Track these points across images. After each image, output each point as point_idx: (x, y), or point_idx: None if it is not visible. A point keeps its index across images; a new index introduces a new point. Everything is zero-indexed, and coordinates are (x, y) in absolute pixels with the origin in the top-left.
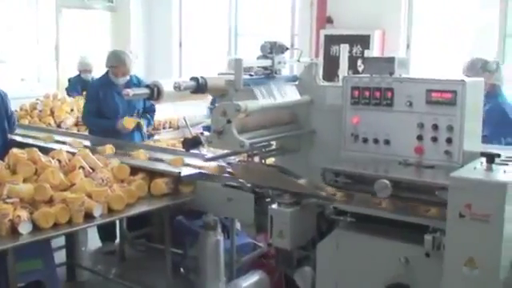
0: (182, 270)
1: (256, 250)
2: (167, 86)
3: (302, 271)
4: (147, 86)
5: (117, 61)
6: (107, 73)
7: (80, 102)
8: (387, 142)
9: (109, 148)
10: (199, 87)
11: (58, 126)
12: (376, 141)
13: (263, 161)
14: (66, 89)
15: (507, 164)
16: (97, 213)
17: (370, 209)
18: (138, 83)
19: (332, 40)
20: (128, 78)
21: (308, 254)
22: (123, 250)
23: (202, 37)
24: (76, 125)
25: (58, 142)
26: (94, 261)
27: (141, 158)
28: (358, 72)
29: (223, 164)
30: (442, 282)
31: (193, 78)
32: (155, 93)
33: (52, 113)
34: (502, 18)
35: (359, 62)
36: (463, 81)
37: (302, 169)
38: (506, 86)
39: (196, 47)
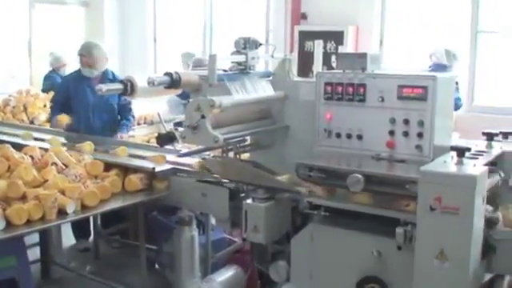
0: (156, 266)
1: (231, 246)
2: (141, 82)
3: (277, 265)
4: (120, 82)
5: (83, 49)
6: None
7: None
8: (360, 137)
9: (88, 145)
10: (173, 82)
11: (31, 122)
12: (349, 136)
13: (238, 156)
14: (43, 88)
15: (477, 158)
16: (70, 209)
17: (343, 203)
18: (113, 78)
19: (306, 36)
20: (97, 72)
21: (283, 249)
22: (98, 246)
23: (176, 32)
24: (49, 121)
25: (36, 139)
26: (68, 258)
27: (121, 154)
28: (332, 68)
29: (198, 159)
30: (413, 275)
31: (167, 74)
32: (129, 88)
33: (25, 109)
34: (474, 14)
35: (333, 57)
36: (434, 76)
37: (276, 164)
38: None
39: (171, 42)
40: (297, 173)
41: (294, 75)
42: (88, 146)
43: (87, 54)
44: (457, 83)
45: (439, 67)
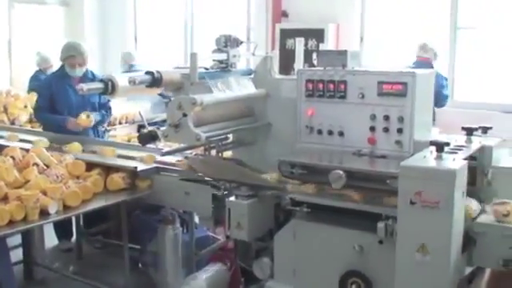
0: (140, 265)
1: (215, 243)
2: (122, 81)
3: (260, 262)
4: (101, 81)
5: (74, 50)
6: (62, 67)
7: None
8: (341, 134)
9: (76, 146)
10: (154, 81)
11: (12, 123)
12: (330, 132)
13: (220, 154)
14: (29, 89)
15: (456, 152)
16: (52, 210)
17: (325, 199)
18: (92, 78)
19: (287, 34)
20: (85, 70)
21: (266, 245)
22: (80, 247)
23: (157, 31)
24: (30, 121)
25: (22, 140)
26: (51, 258)
27: (109, 155)
28: (313, 65)
29: (180, 158)
30: (395, 268)
31: (148, 72)
32: (109, 87)
33: (5, 110)
34: (454, 11)
35: (314, 55)
36: (413, 73)
37: (259, 161)
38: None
39: (152, 41)
40: (279, 170)
41: (275, 73)
42: (76, 146)
43: (78, 54)
44: (446, 79)
45: (423, 64)
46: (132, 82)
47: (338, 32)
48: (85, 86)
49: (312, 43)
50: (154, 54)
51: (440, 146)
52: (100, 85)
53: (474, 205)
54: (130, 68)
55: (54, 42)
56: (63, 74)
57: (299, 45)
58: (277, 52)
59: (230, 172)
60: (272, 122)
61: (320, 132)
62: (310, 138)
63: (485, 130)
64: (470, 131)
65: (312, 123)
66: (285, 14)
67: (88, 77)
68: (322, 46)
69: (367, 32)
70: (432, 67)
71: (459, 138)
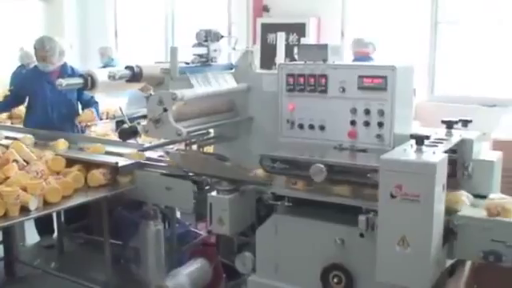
0: (122, 261)
1: (197, 238)
2: (102, 76)
3: (242, 257)
4: (81, 76)
5: (36, 43)
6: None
7: None
8: (322, 128)
9: (62, 143)
10: (134, 76)
11: None
12: (311, 126)
13: (201, 149)
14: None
15: (436, 146)
16: (32, 206)
17: (306, 193)
18: (72, 73)
19: (269, 28)
20: (52, 66)
21: (248, 240)
22: (62, 243)
23: (138, 26)
24: (10, 118)
25: (8, 137)
26: (32, 255)
27: (60, 147)
28: (294, 59)
29: (161, 153)
30: (376, 261)
31: (128, 67)
32: (89, 82)
33: None
34: (434, 5)
35: (296, 49)
36: (393, 66)
37: (241, 156)
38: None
39: (132, 36)
40: (260, 164)
41: (256, 67)
42: (62, 143)
43: (40, 47)
44: None
45: (362, 58)
46: (112, 76)
47: (319, 26)
48: (64, 82)
49: (293, 38)
50: (135, 49)
51: (420, 140)
52: (79, 80)
53: (465, 197)
54: (110, 62)
55: (34, 38)
56: (39, 70)
57: (280, 39)
58: (258, 46)
59: (211, 167)
60: (253, 117)
61: (301, 126)
62: (291, 132)
63: (465, 123)
64: (450, 124)
65: (293, 117)
66: (266, 9)
67: (67, 72)
68: (303, 41)
69: (348, 26)
70: (372, 60)
71: (439, 132)
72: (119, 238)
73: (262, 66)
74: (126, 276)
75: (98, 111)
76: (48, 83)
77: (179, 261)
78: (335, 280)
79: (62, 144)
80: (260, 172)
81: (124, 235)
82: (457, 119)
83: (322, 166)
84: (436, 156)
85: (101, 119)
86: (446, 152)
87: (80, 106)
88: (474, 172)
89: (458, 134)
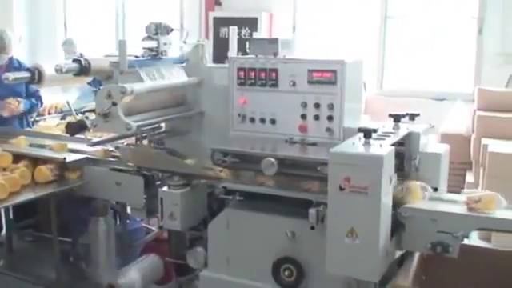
0: (71, 258)
1: (148, 234)
2: (49, 69)
3: (194, 252)
4: (28, 70)
5: None
6: None
7: None
8: (273, 122)
9: (22, 140)
10: (82, 69)
11: None
12: (263, 120)
13: (152, 144)
14: None
15: (383, 139)
16: None
17: (257, 186)
18: (19, 66)
19: (221, 22)
20: (6, 58)
21: (200, 235)
22: (10, 240)
23: (88, 18)
24: None
25: None
26: None
27: (21, 145)
28: (247, 54)
29: (111, 148)
30: (326, 253)
31: (75, 60)
32: (36, 76)
33: None
34: (383, 0)
35: (248, 44)
36: (342, 61)
37: (193, 150)
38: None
39: (82, 29)
40: (212, 158)
41: (207, 61)
42: (23, 140)
43: None
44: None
45: None
46: (59, 70)
47: (271, 21)
48: (11, 75)
49: (245, 32)
50: (85, 42)
51: (368, 133)
52: (26, 74)
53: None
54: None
55: None
56: None
57: (233, 33)
58: (210, 40)
59: (161, 161)
60: (205, 111)
61: (252, 120)
62: (242, 126)
63: (412, 116)
64: (397, 118)
65: (244, 111)
66: (218, 3)
67: (14, 66)
68: (255, 35)
69: (300, 21)
70: None
71: (387, 125)
72: (69, 235)
73: (215, 60)
74: (76, 274)
75: (36, 104)
76: None
77: (131, 257)
78: (286, 273)
79: (23, 141)
80: (190, 162)
81: (74, 232)
82: (404, 113)
83: (273, 159)
84: (383, 149)
85: (49, 113)
86: (393, 145)
87: None
88: (421, 164)
89: (405, 127)
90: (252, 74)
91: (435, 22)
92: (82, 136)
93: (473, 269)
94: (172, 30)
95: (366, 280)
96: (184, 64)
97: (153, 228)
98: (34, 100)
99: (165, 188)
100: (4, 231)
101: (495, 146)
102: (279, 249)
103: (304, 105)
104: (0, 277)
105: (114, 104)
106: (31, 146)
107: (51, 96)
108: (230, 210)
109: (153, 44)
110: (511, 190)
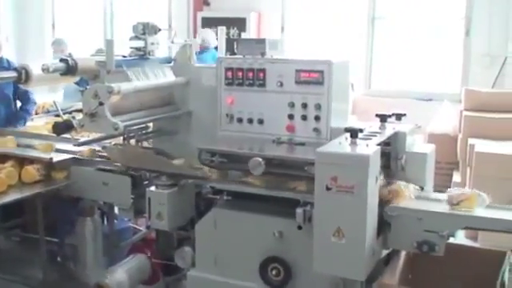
0: (59, 258)
1: (136, 234)
2: (37, 69)
3: (182, 251)
4: (15, 69)
5: None
6: None
7: None
8: (261, 122)
9: (10, 140)
10: (69, 69)
11: None
12: (250, 120)
13: (140, 143)
14: None
15: (370, 138)
16: None
17: (244, 186)
18: (8, 66)
19: (209, 22)
20: None
21: (188, 235)
22: None
23: (76, 17)
24: None
25: None
26: None
27: (9, 145)
28: (235, 54)
29: (98, 148)
30: (313, 252)
31: (62, 60)
32: (23, 76)
33: None
34: (371, 1)
35: (236, 44)
36: (329, 61)
37: (180, 150)
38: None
39: (70, 28)
40: (199, 158)
41: (195, 61)
42: (11, 141)
43: None
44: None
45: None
46: (45, 69)
47: (259, 21)
48: None
49: (234, 32)
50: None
51: (354, 133)
52: (13, 73)
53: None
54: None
55: None
56: None
57: (221, 33)
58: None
59: (149, 161)
60: (193, 111)
61: (240, 120)
62: (230, 126)
63: (398, 116)
64: (383, 118)
65: (232, 111)
66: (206, 3)
67: (3, 65)
68: (244, 35)
69: (288, 22)
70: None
71: (374, 125)
72: (56, 236)
73: None
74: (64, 274)
75: (29, 112)
76: None
77: (118, 257)
78: (274, 272)
79: (10, 142)
80: (178, 162)
81: (61, 232)
82: (390, 113)
83: (261, 159)
84: (369, 148)
85: (36, 113)
86: (379, 145)
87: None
88: (407, 164)
89: (392, 127)
90: (240, 74)
91: (423, 23)
92: (69, 136)
93: (459, 267)
94: (159, 29)
95: (352, 279)
96: (171, 64)
97: (140, 228)
98: (29, 107)
99: (152, 188)
100: None
101: (482, 145)
102: (267, 248)
103: (291, 105)
104: None
105: (101, 104)
106: (19, 146)
107: (39, 96)
108: (217, 209)
109: (140, 44)
110: (498, 190)
